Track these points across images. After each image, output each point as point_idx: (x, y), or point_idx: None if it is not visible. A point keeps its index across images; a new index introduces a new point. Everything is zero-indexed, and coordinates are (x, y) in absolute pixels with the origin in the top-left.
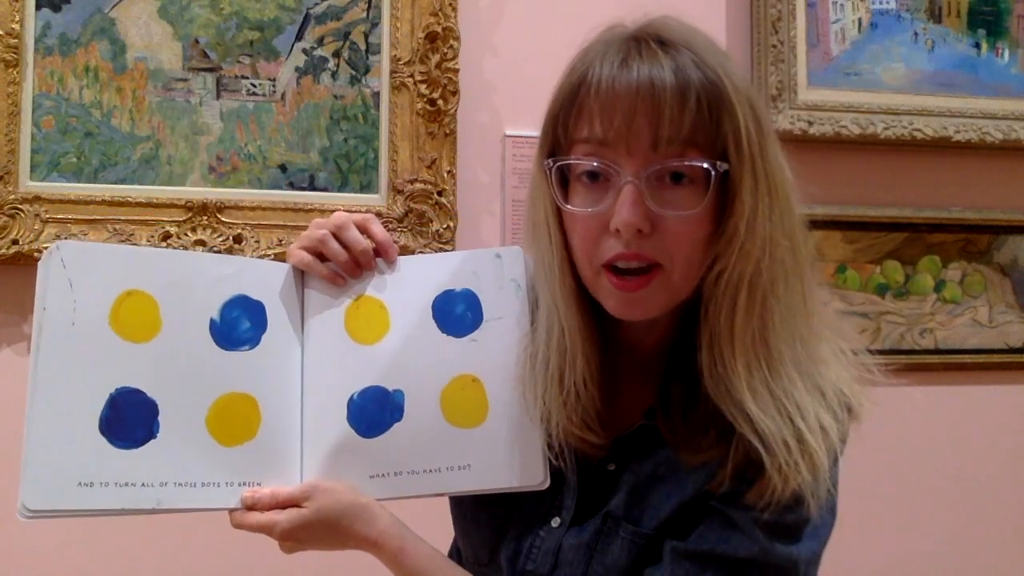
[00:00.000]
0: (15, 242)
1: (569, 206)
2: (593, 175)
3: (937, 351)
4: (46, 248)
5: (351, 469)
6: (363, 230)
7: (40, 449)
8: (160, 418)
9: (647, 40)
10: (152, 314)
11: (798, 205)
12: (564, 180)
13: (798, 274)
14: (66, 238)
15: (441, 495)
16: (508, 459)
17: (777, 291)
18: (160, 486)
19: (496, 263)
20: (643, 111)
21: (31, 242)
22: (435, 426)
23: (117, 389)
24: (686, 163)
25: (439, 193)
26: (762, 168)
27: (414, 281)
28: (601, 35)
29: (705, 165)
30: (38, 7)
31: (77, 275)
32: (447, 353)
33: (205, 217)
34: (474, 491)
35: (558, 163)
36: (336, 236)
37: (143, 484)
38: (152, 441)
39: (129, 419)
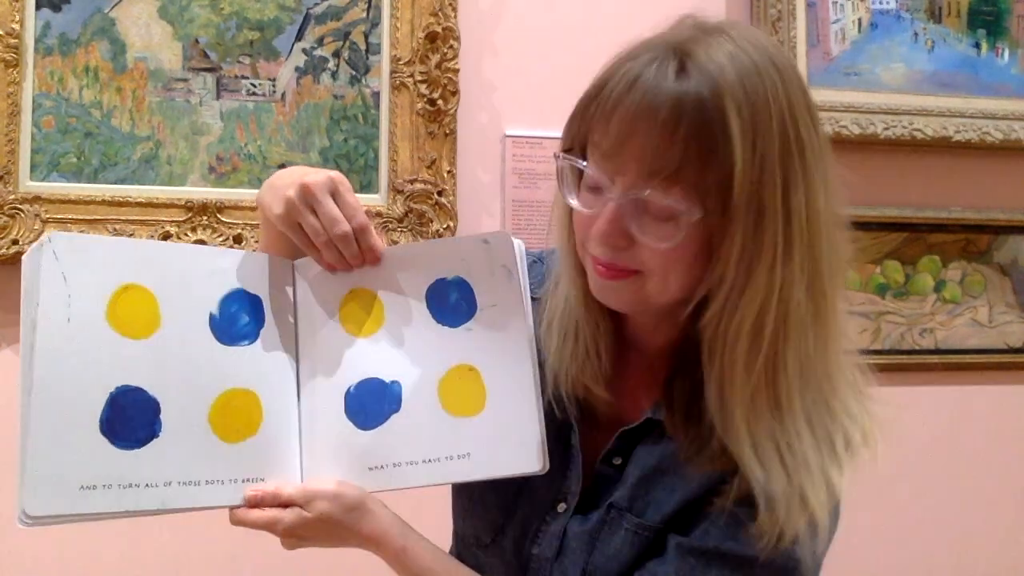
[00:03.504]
0: (15, 242)
1: (573, 199)
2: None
3: (937, 351)
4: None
5: (350, 462)
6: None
7: (39, 452)
8: (162, 416)
9: (671, 59)
10: (151, 309)
11: (833, 246)
12: (581, 173)
13: (821, 321)
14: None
15: (441, 485)
16: (507, 446)
17: (790, 341)
18: (164, 486)
19: (485, 249)
20: (638, 137)
21: (31, 242)
22: (433, 416)
23: (117, 388)
24: (664, 201)
25: (439, 193)
26: (774, 212)
27: (405, 271)
28: (645, 40)
29: (681, 207)
30: (38, 7)
31: (71, 268)
32: (443, 343)
33: (205, 217)
34: (474, 480)
35: (566, 159)
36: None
37: (147, 485)
38: (154, 440)
39: (131, 419)
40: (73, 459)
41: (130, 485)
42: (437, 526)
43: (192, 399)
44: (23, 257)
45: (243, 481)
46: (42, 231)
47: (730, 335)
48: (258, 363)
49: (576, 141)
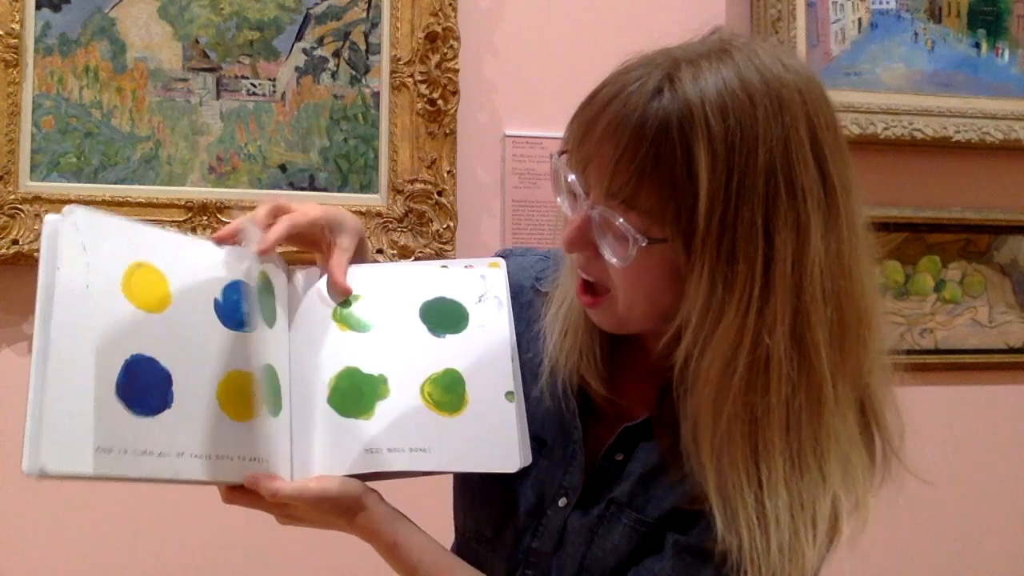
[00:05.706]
0: (15, 242)
1: (561, 200)
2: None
3: (937, 351)
4: None
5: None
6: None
7: (57, 410)
8: (174, 388)
9: (656, 79)
10: (161, 287)
11: (836, 300)
12: None
13: (811, 378)
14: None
15: (424, 474)
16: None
17: (771, 393)
18: (177, 456)
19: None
20: (604, 156)
21: (31, 242)
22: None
23: (132, 356)
24: (615, 221)
25: (439, 193)
26: (750, 254)
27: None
28: (648, 54)
29: (628, 235)
30: (38, 7)
31: (90, 240)
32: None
33: (205, 217)
34: (450, 470)
35: (557, 161)
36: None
37: (161, 453)
38: (167, 410)
39: (145, 386)
40: (91, 419)
41: (145, 452)
42: (441, 524)
43: (201, 375)
44: (44, 227)
45: (249, 460)
46: (42, 231)
47: (700, 376)
48: (257, 350)
49: (568, 145)
